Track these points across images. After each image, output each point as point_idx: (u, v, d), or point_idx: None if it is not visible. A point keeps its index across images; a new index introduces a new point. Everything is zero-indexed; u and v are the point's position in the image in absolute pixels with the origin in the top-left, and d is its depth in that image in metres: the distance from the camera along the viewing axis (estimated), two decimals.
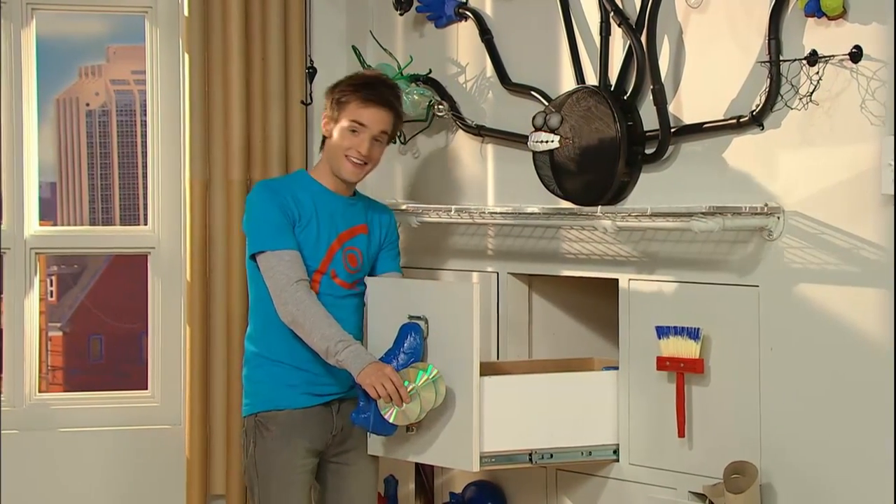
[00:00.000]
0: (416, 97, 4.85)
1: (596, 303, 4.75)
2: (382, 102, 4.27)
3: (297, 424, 4.24)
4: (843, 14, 3.74)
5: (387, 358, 4.15)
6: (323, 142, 4.36)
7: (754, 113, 3.94)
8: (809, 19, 3.81)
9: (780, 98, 3.89)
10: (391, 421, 4.07)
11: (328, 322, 4.13)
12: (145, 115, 5.39)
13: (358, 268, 4.32)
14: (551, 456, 4.23)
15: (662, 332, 4.12)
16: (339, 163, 4.26)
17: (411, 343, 4.15)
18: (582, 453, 4.27)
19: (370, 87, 4.28)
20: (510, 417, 4.15)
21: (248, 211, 4.28)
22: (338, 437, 4.31)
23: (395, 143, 4.98)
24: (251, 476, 4.27)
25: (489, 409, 4.11)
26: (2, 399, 5.29)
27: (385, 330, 4.27)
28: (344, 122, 4.24)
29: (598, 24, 4.38)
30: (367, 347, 4.30)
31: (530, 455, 4.20)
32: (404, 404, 4.04)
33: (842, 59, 3.74)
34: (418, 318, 4.20)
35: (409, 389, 4.05)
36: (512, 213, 4.53)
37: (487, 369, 4.21)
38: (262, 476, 4.24)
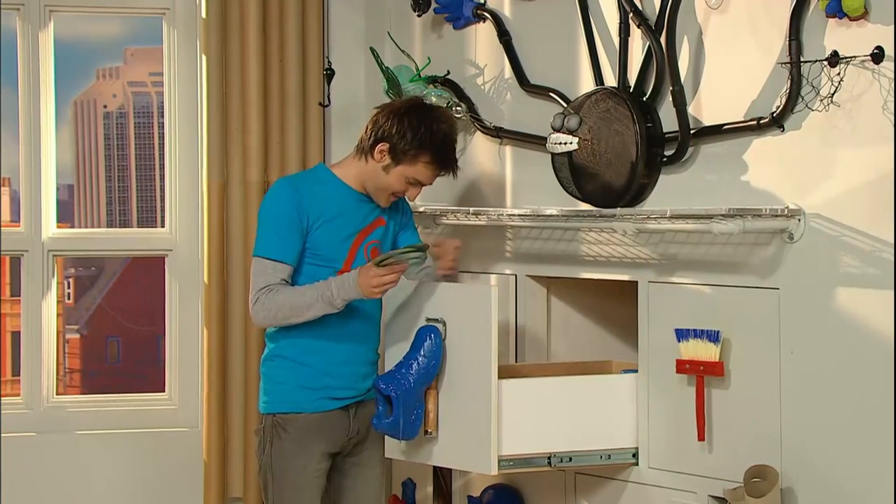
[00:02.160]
0: (433, 99, 4.84)
1: (615, 305, 4.73)
2: (451, 169, 4.24)
3: (313, 428, 4.24)
4: (864, 14, 3.72)
5: (405, 361, 4.14)
6: (365, 151, 4.23)
7: (775, 114, 3.92)
8: (830, 20, 3.79)
9: (800, 99, 3.87)
10: None
11: (299, 292, 4.14)
12: (163, 116, 5.39)
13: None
14: (570, 459, 4.21)
15: (682, 334, 4.11)
16: (380, 195, 4.23)
17: (429, 346, 4.14)
18: (601, 457, 4.25)
19: (445, 155, 4.20)
20: (529, 420, 4.14)
21: (262, 208, 4.26)
22: (353, 440, 4.30)
23: None
24: (265, 476, 4.27)
25: (507, 412, 4.09)
26: (20, 402, 5.30)
27: (403, 332, 4.26)
28: (406, 173, 4.18)
29: (618, 25, 4.36)
30: (384, 349, 4.31)
31: (549, 458, 4.18)
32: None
33: (863, 60, 3.72)
34: (436, 320, 4.19)
35: (396, 260, 4.06)
36: (530, 216, 4.51)
37: (506, 372, 4.20)
38: (277, 478, 4.24)
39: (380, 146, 4.18)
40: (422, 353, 4.14)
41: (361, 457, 4.33)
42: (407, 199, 4.33)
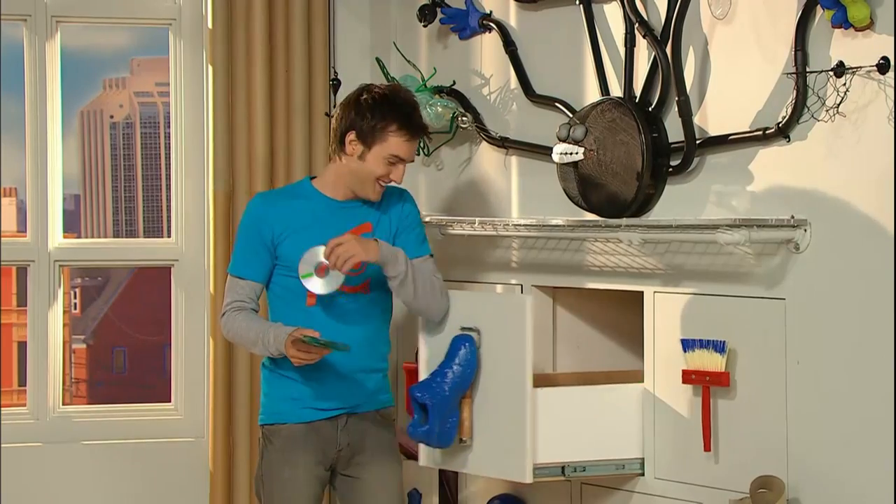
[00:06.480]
0: (439, 109, 4.84)
1: (620, 315, 4.72)
2: (421, 131, 4.21)
3: (298, 439, 4.21)
4: (870, 25, 3.72)
5: (440, 370, 4.16)
6: (336, 151, 4.22)
7: (780, 125, 3.92)
8: (836, 30, 3.79)
9: (806, 110, 3.87)
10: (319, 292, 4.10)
11: (248, 327, 4.17)
12: (169, 126, 5.40)
13: (361, 269, 4.24)
14: (584, 469, 4.22)
15: (688, 344, 4.10)
16: (366, 186, 4.19)
17: (464, 354, 4.15)
18: (616, 467, 4.25)
19: (411, 119, 4.17)
20: (558, 429, 4.17)
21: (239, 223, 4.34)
22: (345, 453, 4.25)
23: (418, 154, 4.97)
24: (258, 488, 4.29)
25: (543, 421, 4.12)
26: (26, 412, 5.30)
27: (437, 341, 4.28)
28: (381, 152, 4.15)
29: (623, 36, 4.36)
30: (420, 359, 4.33)
31: (563, 468, 4.19)
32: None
33: (869, 71, 3.72)
34: (471, 329, 4.20)
35: (317, 345, 4.03)
36: (536, 226, 4.51)
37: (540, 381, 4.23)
38: (267, 489, 4.24)
39: (348, 137, 4.17)
40: (456, 361, 4.16)
41: (361, 469, 4.25)
42: (398, 182, 4.20)
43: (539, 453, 4.13)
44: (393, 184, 4.21)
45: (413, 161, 4.25)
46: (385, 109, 4.15)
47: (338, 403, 4.23)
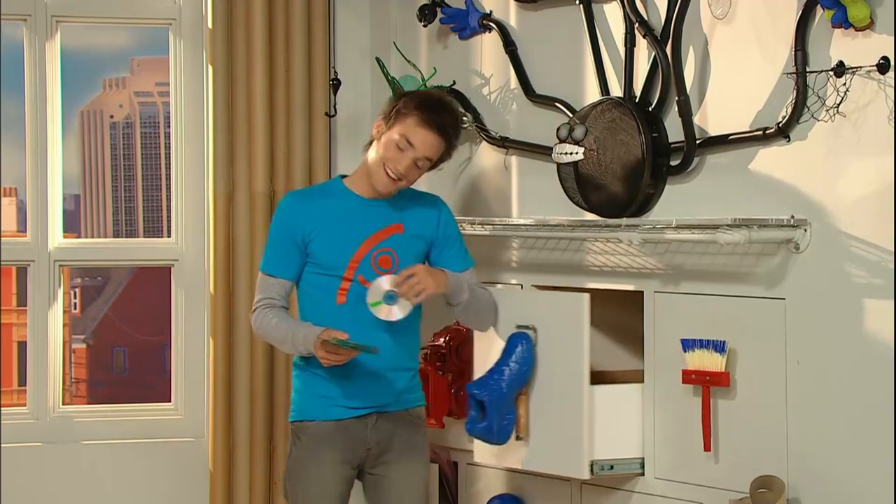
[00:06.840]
0: None
1: (621, 315, 4.72)
2: (439, 128, 4.19)
3: (326, 437, 4.22)
4: (870, 25, 3.72)
5: (497, 367, 4.19)
6: (369, 144, 4.27)
7: (780, 125, 3.92)
8: (836, 30, 3.79)
9: (806, 110, 3.87)
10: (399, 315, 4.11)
11: (278, 325, 4.20)
12: (169, 126, 5.40)
13: (392, 268, 4.23)
14: (612, 467, 4.24)
15: (688, 344, 4.11)
16: (376, 171, 4.20)
17: (521, 352, 4.18)
18: (641, 465, 4.28)
19: (433, 110, 4.18)
20: (614, 427, 4.24)
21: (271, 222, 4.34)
22: (373, 451, 4.25)
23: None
24: (285, 483, 4.31)
25: (600, 417, 4.18)
26: (26, 412, 5.30)
27: (494, 339, 4.32)
28: (395, 134, 4.16)
29: (623, 36, 4.36)
30: (475, 358, 4.38)
31: (591, 465, 4.21)
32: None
33: (869, 71, 3.72)
34: (527, 327, 4.23)
35: (345, 347, 4.04)
36: (536, 225, 4.52)
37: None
38: (293, 485, 4.25)
39: (378, 120, 4.23)
40: (513, 359, 4.22)
41: (389, 468, 4.26)
42: (400, 172, 4.15)
43: (609, 449, 4.24)
44: (403, 183, 4.20)
45: (431, 159, 4.20)
46: (415, 98, 4.22)
47: (367, 402, 4.23)
